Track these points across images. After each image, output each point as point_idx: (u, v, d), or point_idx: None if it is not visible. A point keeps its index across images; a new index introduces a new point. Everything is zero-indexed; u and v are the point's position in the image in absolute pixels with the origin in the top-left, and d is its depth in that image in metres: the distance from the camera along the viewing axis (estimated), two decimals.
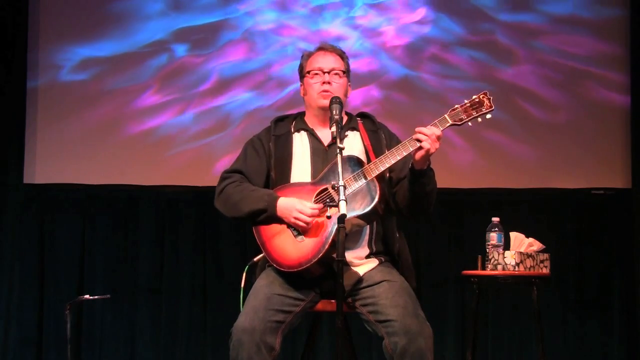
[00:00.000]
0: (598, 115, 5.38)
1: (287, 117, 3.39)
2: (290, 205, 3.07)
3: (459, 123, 3.04)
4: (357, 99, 5.24)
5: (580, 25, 5.38)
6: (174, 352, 5.34)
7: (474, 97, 3.06)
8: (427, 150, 2.97)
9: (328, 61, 3.27)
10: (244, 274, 3.16)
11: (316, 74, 3.27)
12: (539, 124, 5.38)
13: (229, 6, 5.44)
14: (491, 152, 5.36)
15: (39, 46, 5.40)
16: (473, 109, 3.05)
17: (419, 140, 2.98)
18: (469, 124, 3.05)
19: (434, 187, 3.11)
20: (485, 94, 3.07)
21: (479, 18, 5.40)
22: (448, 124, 3.03)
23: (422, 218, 3.24)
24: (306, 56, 3.33)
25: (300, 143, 3.27)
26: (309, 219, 3.04)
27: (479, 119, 3.06)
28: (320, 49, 3.32)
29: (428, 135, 2.97)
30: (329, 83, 3.23)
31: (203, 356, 5.33)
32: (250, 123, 5.31)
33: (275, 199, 3.11)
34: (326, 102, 3.20)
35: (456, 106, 3.06)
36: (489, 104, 3.05)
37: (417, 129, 3.00)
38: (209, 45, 5.42)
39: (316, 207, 3.06)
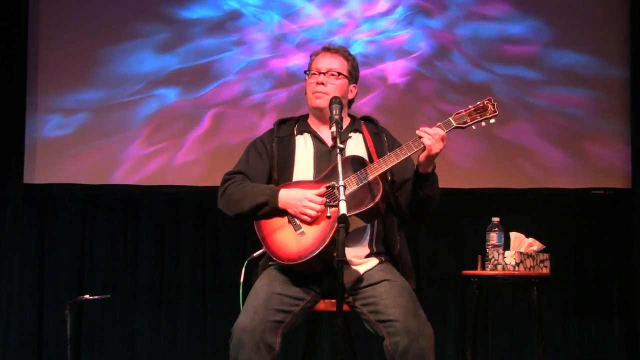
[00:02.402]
0: (598, 115, 5.39)
1: (289, 119, 3.40)
2: (299, 194, 3.08)
3: (463, 126, 3.10)
4: None
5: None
6: (174, 352, 5.34)
7: (478, 102, 3.13)
8: (430, 149, 2.99)
9: (327, 62, 3.29)
10: (243, 270, 3.17)
11: (313, 74, 3.29)
12: (539, 124, 5.38)
13: (223, 44, 5.44)
14: (491, 152, 5.37)
15: (39, 47, 5.40)
16: (477, 113, 3.11)
17: (420, 137, 3.01)
18: (473, 127, 3.12)
19: (437, 192, 3.14)
20: (489, 99, 3.14)
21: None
22: (452, 126, 3.09)
23: (423, 221, 3.26)
24: (313, 56, 3.36)
25: (304, 145, 3.28)
26: (319, 207, 3.05)
27: (483, 123, 3.12)
28: (324, 49, 3.34)
29: (431, 135, 3.01)
30: (322, 84, 3.24)
31: (203, 356, 5.33)
32: (254, 125, 5.35)
33: (276, 191, 3.12)
34: (317, 103, 3.24)
35: (461, 110, 3.12)
36: (492, 109, 3.12)
37: (420, 128, 3.04)
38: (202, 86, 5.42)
39: (323, 199, 3.07)
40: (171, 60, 5.42)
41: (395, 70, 5.42)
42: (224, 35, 5.44)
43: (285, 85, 5.40)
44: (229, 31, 5.44)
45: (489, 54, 5.41)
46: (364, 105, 5.22)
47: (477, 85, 5.36)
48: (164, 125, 5.40)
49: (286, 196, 3.10)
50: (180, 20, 5.44)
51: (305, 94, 3.34)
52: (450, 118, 3.09)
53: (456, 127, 3.09)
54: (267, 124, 5.30)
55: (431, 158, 3.03)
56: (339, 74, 3.27)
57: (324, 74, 3.26)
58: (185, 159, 5.39)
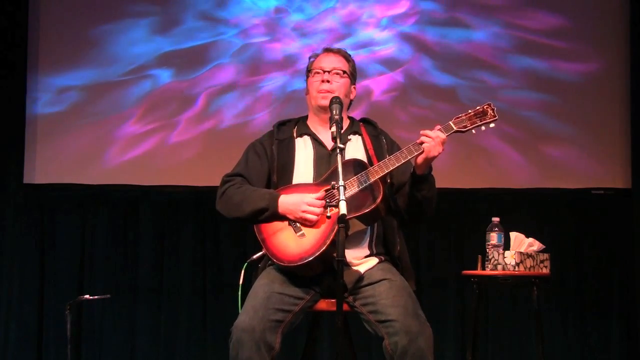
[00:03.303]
0: (598, 116, 5.39)
1: (289, 121, 3.40)
2: (298, 200, 3.08)
3: (463, 130, 3.14)
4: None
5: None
6: (174, 352, 5.34)
7: (477, 107, 3.18)
8: (429, 152, 3.01)
9: (330, 61, 3.32)
10: (242, 272, 3.17)
11: (317, 72, 3.30)
12: (539, 124, 5.39)
13: (217, 27, 5.45)
14: (491, 152, 5.37)
15: (39, 47, 5.40)
16: (477, 118, 3.16)
17: (422, 143, 3.03)
18: (473, 131, 3.16)
19: (434, 193, 3.17)
20: (489, 104, 3.19)
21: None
22: (453, 130, 3.13)
23: (421, 222, 3.28)
24: (312, 57, 3.38)
25: (304, 148, 3.28)
26: (318, 210, 3.05)
27: (483, 127, 3.17)
28: (326, 50, 3.37)
29: (432, 138, 3.05)
30: (328, 82, 3.26)
31: (203, 356, 5.33)
32: (251, 123, 5.36)
33: (277, 197, 3.12)
34: (323, 102, 3.24)
35: (460, 115, 3.16)
36: (492, 114, 3.17)
37: (422, 132, 3.05)
38: (196, 68, 5.43)
39: (323, 202, 3.07)
40: (165, 41, 5.43)
41: (376, 82, 5.44)
42: (219, 18, 5.45)
43: (280, 70, 5.41)
44: (224, 14, 5.45)
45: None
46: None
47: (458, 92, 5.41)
48: (157, 105, 5.40)
49: (286, 202, 3.10)
50: (175, 2, 5.46)
51: (307, 93, 3.35)
52: (451, 122, 3.13)
53: (456, 131, 3.13)
54: (261, 107, 5.38)
55: (429, 161, 3.07)
56: (344, 72, 3.29)
57: (328, 72, 3.28)
58: (178, 139, 5.39)
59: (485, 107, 3.17)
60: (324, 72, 3.28)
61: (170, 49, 5.43)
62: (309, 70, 3.36)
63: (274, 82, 5.41)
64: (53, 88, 5.40)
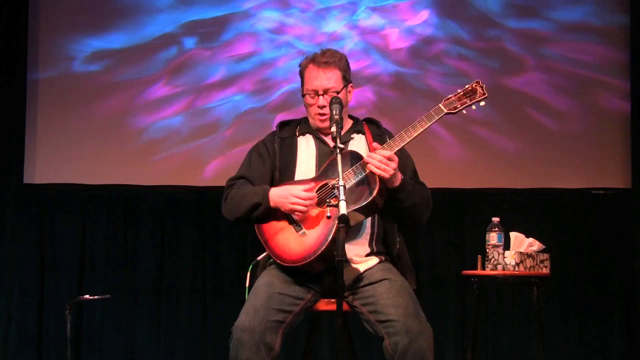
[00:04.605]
0: (598, 115, 5.39)
1: (291, 121, 3.39)
2: (285, 192, 3.08)
3: (454, 111, 3.10)
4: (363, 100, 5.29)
5: (584, 31, 5.42)
6: (174, 352, 5.35)
7: (466, 85, 3.13)
8: (379, 175, 2.97)
9: (322, 80, 3.17)
10: (248, 273, 3.16)
11: (311, 95, 3.20)
12: (539, 124, 5.39)
13: (232, 2, 5.48)
14: (491, 152, 5.36)
15: (38, 47, 5.41)
16: (466, 97, 3.11)
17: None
18: (464, 111, 3.12)
19: (415, 200, 3.10)
20: (478, 82, 3.14)
21: (485, 24, 5.44)
22: (443, 113, 3.08)
23: (416, 228, 3.26)
24: (303, 67, 3.24)
25: (306, 146, 3.27)
26: (306, 202, 3.03)
27: (473, 107, 3.12)
28: (314, 64, 3.20)
29: (377, 161, 2.97)
30: (325, 106, 3.17)
31: (203, 356, 5.33)
32: (249, 124, 5.36)
33: (267, 190, 3.12)
34: (323, 125, 3.20)
35: (450, 95, 3.12)
36: (482, 92, 3.12)
37: (368, 154, 3.01)
38: (213, 40, 5.47)
39: (312, 194, 3.05)
40: (189, 10, 5.47)
41: (400, 34, 5.45)
42: None
43: (297, 46, 5.43)
44: None
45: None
46: None
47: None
48: (180, 72, 5.44)
49: (275, 195, 3.10)
50: None
51: (306, 108, 3.27)
52: (440, 105, 3.09)
53: (447, 114, 3.09)
54: (280, 77, 5.44)
55: (388, 182, 2.99)
56: (338, 92, 3.16)
57: (322, 94, 3.18)
58: (201, 104, 5.44)
59: (474, 85, 3.12)
60: (318, 95, 3.17)
61: (193, 18, 5.46)
62: (304, 88, 3.22)
63: (292, 52, 5.43)
64: (79, 52, 5.44)
